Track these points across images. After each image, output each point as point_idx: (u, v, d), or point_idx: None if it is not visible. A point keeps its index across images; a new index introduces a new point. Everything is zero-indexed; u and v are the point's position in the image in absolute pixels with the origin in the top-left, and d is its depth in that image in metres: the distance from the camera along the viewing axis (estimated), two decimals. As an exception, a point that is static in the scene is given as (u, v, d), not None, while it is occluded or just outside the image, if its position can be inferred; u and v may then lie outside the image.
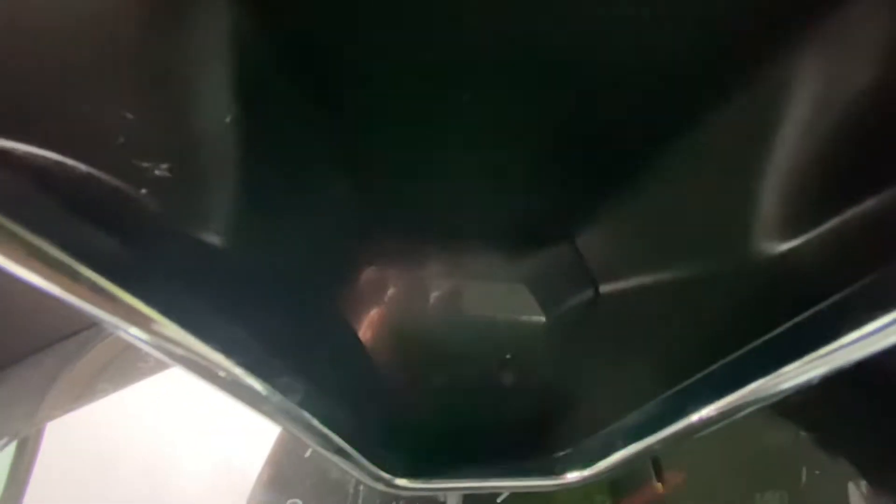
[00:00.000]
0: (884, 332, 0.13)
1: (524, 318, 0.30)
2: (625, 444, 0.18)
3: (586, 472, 0.19)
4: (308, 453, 0.28)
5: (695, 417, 0.15)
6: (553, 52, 0.19)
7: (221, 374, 0.12)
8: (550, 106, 0.22)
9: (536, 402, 0.27)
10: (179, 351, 0.11)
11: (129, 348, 0.28)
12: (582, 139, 0.23)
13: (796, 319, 0.14)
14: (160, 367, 0.28)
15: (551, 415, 0.26)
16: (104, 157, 0.13)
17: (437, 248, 0.30)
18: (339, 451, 0.16)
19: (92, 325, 0.27)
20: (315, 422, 0.14)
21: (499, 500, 0.28)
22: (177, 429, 0.28)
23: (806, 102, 0.15)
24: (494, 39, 0.18)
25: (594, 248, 0.28)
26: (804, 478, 0.31)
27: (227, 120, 0.13)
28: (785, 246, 0.17)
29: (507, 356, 0.29)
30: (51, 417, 0.26)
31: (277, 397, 0.13)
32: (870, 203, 0.15)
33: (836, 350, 0.13)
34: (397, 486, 0.19)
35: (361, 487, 0.27)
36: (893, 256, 0.13)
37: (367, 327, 0.28)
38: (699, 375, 0.17)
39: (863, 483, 0.31)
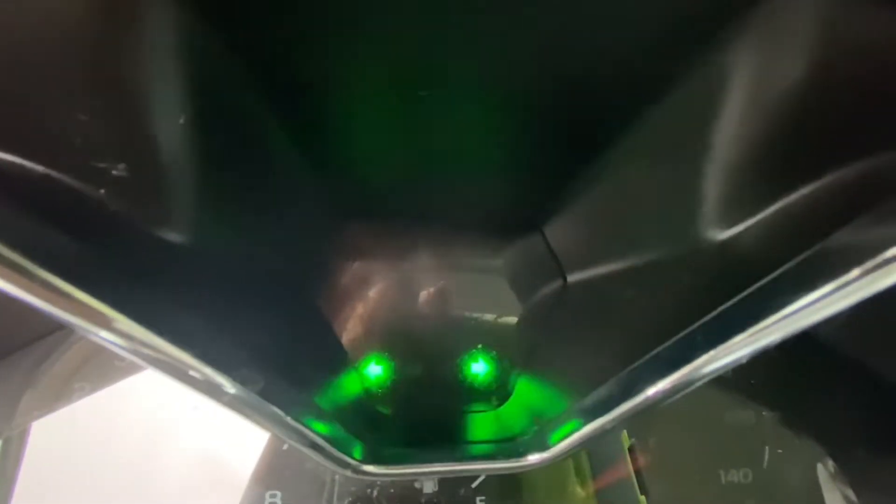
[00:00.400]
0: (817, 304, 0.13)
1: (495, 309, 0.31)
2: (583, 424, 0.19)
3: (546, 454, 0.20)
4: (286, 446, 0.28)
5: (648, 392, 0.16)
6: (516, 52, 0.19)
7: (180, 366, 0.12)
8: (514, 103, 0.23)
9: (504, 390, 0.28)
10: (136, 345, 0.12)
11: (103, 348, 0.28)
12: (542, 135, 0.23)
13: (736, 298, 0.15)
14: (136, 366, 0.28)
15: (517, 401, 0.26)
16: (61, 158, 0.13)
17: (408, 243, 0.30)
18: (304, 439, 0.17)
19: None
20: (277, 411, 0.15)
21: (473, 485, 0.29)
22: (158, 426, 0.29)
23: (743, 93, 0.16)
24: (461, 38, 0.19)
25: (562, 240, 0.29)
26: (767, 456, 0.32)
27: (181, 120, 0.14)
28: (728, 232, 0.17)
29: (479, 346, 0.29)
30: (32, 418, 0.26)
31: (237, 388, 0.13)
32: (803, 190, 0.16)
33: (773, 324, 0.14)
34: (365, 472, 0.20)
35: (337, 477, 0.27)
36: (823, 236, 0.14)
37: (341, 319, 0.29)
38: (651, 354, 0.17)
39: (830, 462, 0.33)
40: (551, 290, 0.30)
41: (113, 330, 0.11)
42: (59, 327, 0.27)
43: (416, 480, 0.28)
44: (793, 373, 0.33)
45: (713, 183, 0.18)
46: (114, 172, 0.14)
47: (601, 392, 0.19)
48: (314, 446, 0.17)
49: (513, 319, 0.30)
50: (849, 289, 0.13)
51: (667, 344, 0.16)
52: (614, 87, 0.19)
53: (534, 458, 0.20)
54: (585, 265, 0.27)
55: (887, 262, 0.12)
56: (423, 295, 0.30)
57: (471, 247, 0.31)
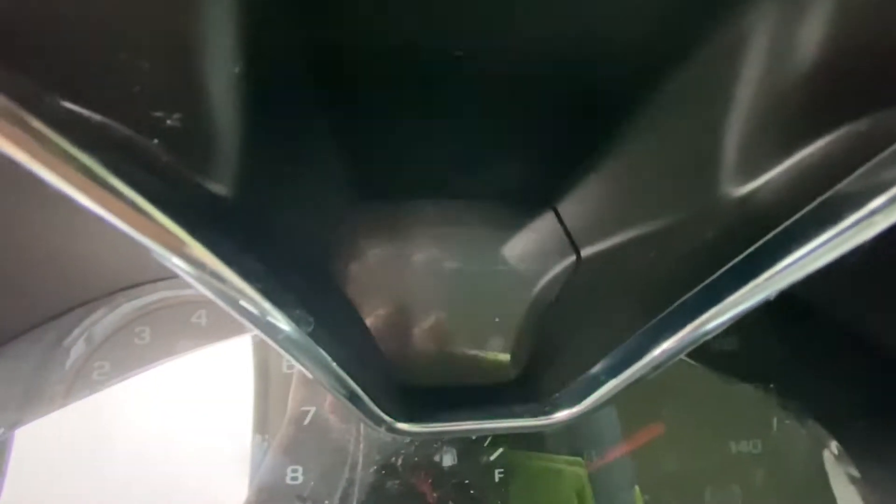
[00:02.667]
0: (825, 247, 0.14)
1: (511, 285, 0.31)
2: (606, 380, 0.20)
3: (574, 409, 0.20)
4: (308, 420, 0.29)
5: (667, 345, 0.17)
6: (528, 25, 0.20)
7: (242, 301, 0.13)
8: (527, 77, 0.23)
9: (525, 359, 0.28)
10: (205, 274, 0.12)
11: (124, 325, 0.28)
12: (557, 107, 0.24)
13: (752, 248, 0.16)
14: (155, 343, 0.28)
15: (538, 368, 0.27)
16: (119, 106, 0.14)
17: (425, 219, 0.31)
18: (347, 390, 0.17)
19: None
20: (325, 356, 0.15)
21: (492, 458, 0.29)
22: (172, 410, 0.29)
23: (760, 54, 0.17)
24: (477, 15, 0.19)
25: (576, 215, 0.30)
26: (775, 426, 0.33)
27: (236, 71, 0.14)
28: (746, 188, 0.18)
29: (496, 320, 0.30)
30: (54, 396, 0.26)
31: (291, 327, 0.14)
32: (820, 142, 0.17)
33: (785, 268, 0.15)
34: (399, 430, 0.20)
35: (362, 446, 0.28)
36: (834, 185, 0.15)
37: (359, 297, 0.29)
38: (668, 309, 0.18)
39: (834, 444, 0.34)
40: (565, 265, 0.31)
41: (185, 256, 0.12)
42: (79, 303, 0.27)
43: (436, 454, 0.28)
44: (796, 347, 0.34)
45: (732, 140, 0.18)
46: (168, 122, 0.14)
47: (627, 345, 0.19)
48: (354, 398, 0.18)
49: (527, 296, 0.31)
50: (849, 233, 0.14)
51: (692, 292, 0.17)
52: (632, 53, 0.20)
53: (562, 414, 0.21)
54: (601, 237, 0.28)
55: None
56: (440, 273, 0.31)
57: (485, 226, 0.32)
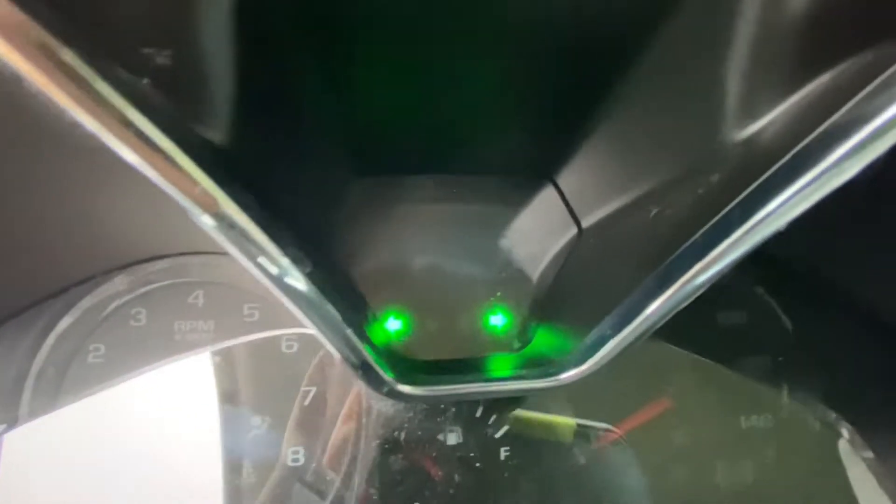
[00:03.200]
0: (820, 180, 0.14)
1: (512, 259, 0.31)
2: (611, 336, 0.19)
3: (581, 367, 0.20)
4: (308, 400, 0.28)
5: (684, 280, 0.17)
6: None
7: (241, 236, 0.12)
8: (529, 42, 0.23)
9: (527, 332, 0.28)
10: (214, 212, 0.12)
11: (121, 308, 0.28)
12: (554, 68, 0.24)
13: (760, 180, 0.16)
14: (149, 331, 0.28)
15: (541, 339, 0.27)
16: (107, 41, 0.13)
17: (425, 195, 0.31)
18: (352, 349, 0.17)
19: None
20: (335, 314, 0.15)
21: (497, 435, 0.29)
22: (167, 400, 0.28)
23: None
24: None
25: (574, 185, 0.30)
26: (785, 401, 0.32)
27: (227, 9, 0.14)
28: (748, 130, 0.18)
29: (497, 294, 0.30)
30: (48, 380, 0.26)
31: (288, 264, 0.13)
32: (822, 77, 0.16)
33: (785, 202, 0.15)
34: (400, 393, 0.20)
35: (365, 426, 0.27)
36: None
37: (358, 271, 0.29)
38: (670, 258, 0.18)
39: (846, 430, 0.33)
40: (567, 239, 0.30)
41: (184, 185, 0.11)
42: (76, 283, 0.27)
43: (440, 432, 0.28)
44: (804, 321, 0.33)
45: (733, 85, 0.18)
46: (158, 60, 0.14)
47: (630, 300, 0.19)
48: (358, 357, 0.17)
49: (529, 270, 0.31)
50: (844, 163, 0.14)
51: (699, 233, 0.17)
52: (627, 14, 0.20)
53: (569, 374, 0.20)
54: (600, 205, 0.27)
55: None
56: (441, 248, 0.30)
57: (484, 201, 0.31)
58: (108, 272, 0.27)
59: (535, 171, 0.31)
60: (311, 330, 0.17)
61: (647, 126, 0.23)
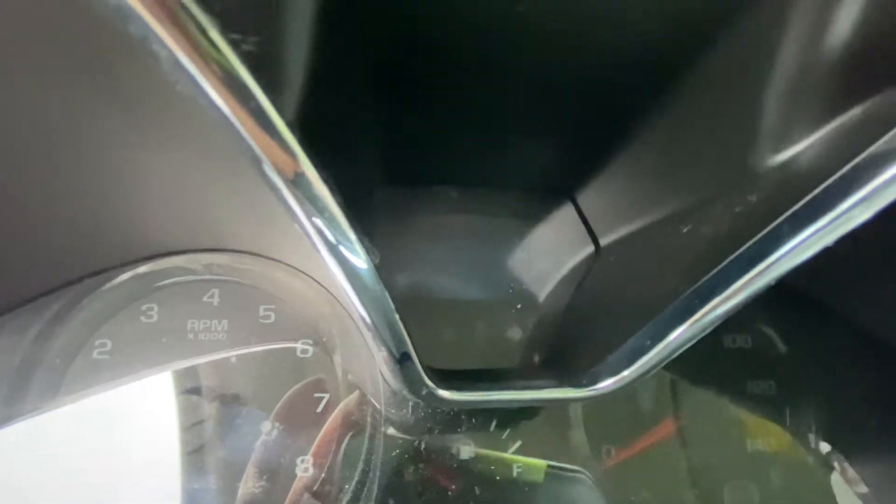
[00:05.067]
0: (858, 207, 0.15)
1: (530, 274, 0.31)
2: (653, 345, 0.19)
3: (618, 377, 0.20)
4: (320, 408, 0.27)
5: (724, 295, 0.17)
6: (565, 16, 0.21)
7: (318, 218, 0.12)
8: (560, 74, 0.24)
9: (547, 345, 0.28)
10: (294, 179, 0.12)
11: (132, 302, 0.27)
12: (588, 91, 0.25)
13: (795, 207, 0.17)
14: (152, 332, 0.27)
15: (565, 351, 0.27)
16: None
17: (447, 207, 0.31)
18: (400, 346, 0.17)
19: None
20: (390, 304, 0.15)
21: (511, 451, 0.28)
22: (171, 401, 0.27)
23: (797, 25, 0.18)
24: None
25: (593, 203, 0.30)
26: (785, 426, 0.33)
27: (312, 11, 0.14)
28: (785, 154, 0.19)
29: (518, 306, 0.30)
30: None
31: (362, 255, 0.13)
32: (857, 109, 0.18)
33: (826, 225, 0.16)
34: (439, 398, 0.19)
35: (378, 436, 0.26)
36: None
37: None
38: (713, 272, 0.18)
39: (838, 463, 0.33)
40: (584, 255, 0.31)
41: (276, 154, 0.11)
42: (87, 275, 0.26)
43: (455, 445, 0.27)
44: (805, 347, 0.34)
45: (771, 110, 0.19)
46: (244, 46, 0.14)
47: (672, 309, 0.19)
48: (405, 357, 0.17)
49: (547, 284, 0.31)
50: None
51: (744, 248, 0.17)
52: (670, 30, 0.21)
53: (605, 384, 0.20)
54: (621, 224, 0.28)
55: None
56: (460, 262, 0.31)
57: (505, 216, 0.32)
58: (123, 265, 0.26)
59: (555, 188, 0.32)
60: (357, 317, 0.16)
61: (676, 147, 0.24)
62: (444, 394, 0.19)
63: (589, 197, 0.31)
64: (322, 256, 0.13)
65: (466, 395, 0.20)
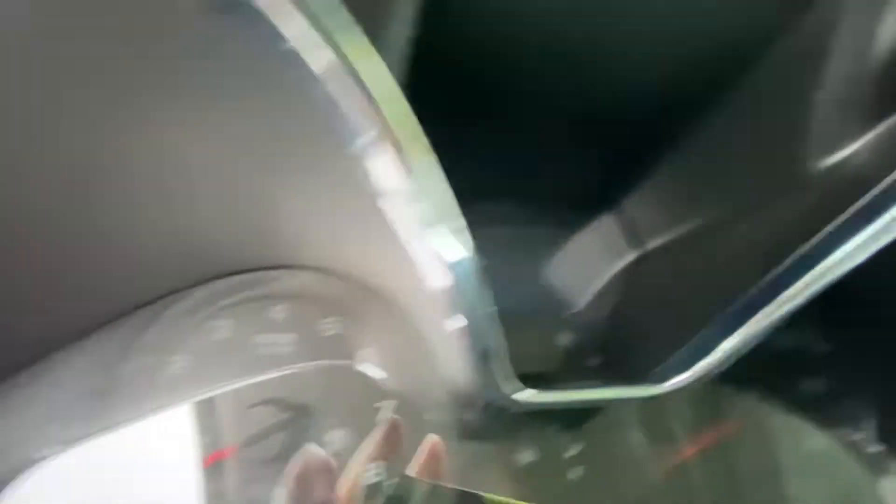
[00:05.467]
0: None
1: (576, 282, 0.32)
2: (721, 340, 0.20)
3: (688, 373, 0.21)
4: (386, 416, 0.28)
5: (790, 292, 0.18)
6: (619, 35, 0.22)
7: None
8: (610, 87, 0.25)
9: (600, 350, 0.29)
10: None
11: (205, 321, 0.28)
12: (637, 100, 0.26)
13: (854, 208, 0.17)
14: (237, 344, 0.28)
15: (620, 354, 0.27)
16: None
17: (488, 220, 0.32)
18: (493, 342, 0.17)
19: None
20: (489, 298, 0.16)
21: (567, 455, 0.29)
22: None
23: (847, 32, 0.19)
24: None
25: (637, 212, 0.31)
26: (836, 428, 0.33)
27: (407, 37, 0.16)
28: (832, 159, 0.20)
29: (565, 313, 0.31)
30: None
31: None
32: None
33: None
34: (517, 399, 0.20)
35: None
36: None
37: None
38: (774, 272, 0.19)
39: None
40: (629, 260, 0.31)
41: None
42: (161, 295, 0.27)
43: (515, 450, 0.28)
44: (858, 349, 0.34)
45: (820, 114, 0.20)
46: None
47: (723, 317, 0.20)
48: (494, 354, 0.18)
49: (594, 291, 0.32)
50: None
51: (807, 246, 0.18)
52: (724, 41, 0.22)
53: (676, 380, 0.21)
54: (664, 229, 0.29)
55: None
56: (507, 269, 0.31)
57: (548, 225, 0.33)
58: (196, 284, 0.27)
59: (597, 197, 0.33)
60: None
61: (721, 154, 0.25)
62: (523, 395, 0.20)
63: (632, 205, 0.32)
64: (422, 247, 0.14)
65: (546, 396, 0.20)
